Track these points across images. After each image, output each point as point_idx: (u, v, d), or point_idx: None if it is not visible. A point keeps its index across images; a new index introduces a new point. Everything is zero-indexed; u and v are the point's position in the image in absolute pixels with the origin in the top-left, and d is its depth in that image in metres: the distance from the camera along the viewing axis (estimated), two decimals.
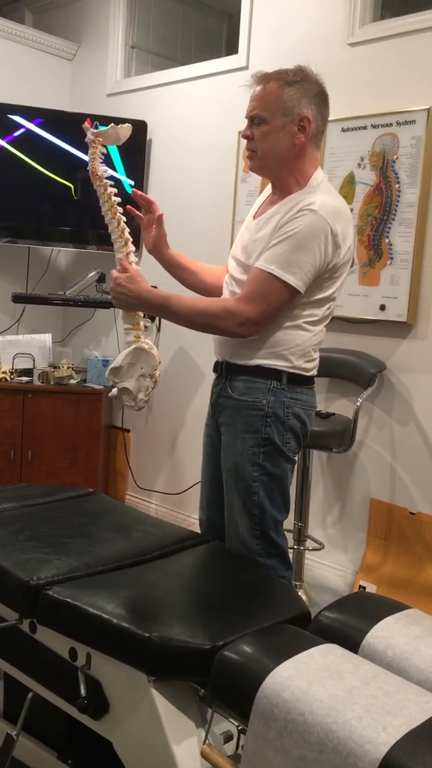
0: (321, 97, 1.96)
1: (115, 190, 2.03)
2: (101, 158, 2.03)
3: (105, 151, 2.03)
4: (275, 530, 2.02)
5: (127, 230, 2.02)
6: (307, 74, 1.95)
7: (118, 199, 2.03)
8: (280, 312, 1.92)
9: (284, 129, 1.92)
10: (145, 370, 1.96)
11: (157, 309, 1.97)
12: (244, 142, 2.01)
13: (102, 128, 2.02)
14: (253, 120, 1.95)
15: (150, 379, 1.98)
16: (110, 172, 2.05)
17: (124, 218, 2.02)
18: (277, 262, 1.86)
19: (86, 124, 2.03)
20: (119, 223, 2.01)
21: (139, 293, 1.94)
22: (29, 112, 3.87)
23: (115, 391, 1.98)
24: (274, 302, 1.88)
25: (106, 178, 2.02)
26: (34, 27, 4.40)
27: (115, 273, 1.98)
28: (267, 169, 2.01)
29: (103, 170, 2.02)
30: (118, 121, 2.09)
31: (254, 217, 2.06)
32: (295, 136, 1.92)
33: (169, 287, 2.11)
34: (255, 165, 2.01)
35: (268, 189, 2.09)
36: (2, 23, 4.07)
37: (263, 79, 1.95)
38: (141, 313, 1.99)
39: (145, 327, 2.00)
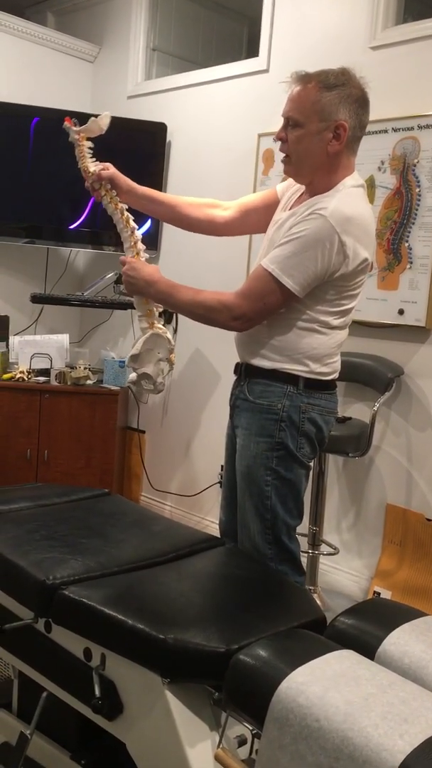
0: (360, 103, 1.89)
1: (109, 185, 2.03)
2: (90, 154, 2.04)
3: (91, 145, 2.04)
4: (287, 535, 2.01)
5: (132, 219, 2.02)
6: (350, 77, 1.88)
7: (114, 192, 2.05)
8: (277, 310, 1.91)
9: (319, 135, 1.87)
10: (162, 355, 2.01)
11: (163, 293, 1.97)
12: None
13: (83, 126, 2.03)
14: (288, 122, 1.91)
15: (167, 362, 2.02)
16: (100, 164, 2.04)
17: (125, 206, 2.03)
18: (278, 263, 1.85)
19: (67, 124, 2.03)
20: (122, 213, 2.03)
21: (148, 275, 1.96)
22: (50, 114, 3.89)
23: (134, 376, 2.00)
24: (270, 301, 1.88)
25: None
26: (56, 29, 4.43)
27: (124, 258, 2.00)
28: (301, 175, 1.98)
29: (95, 166, 2.03)
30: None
31: (287, 209, 2.02)
32: (329, 143, 1.87)
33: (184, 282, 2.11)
34: (289, 170, 1.99)
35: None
36: (25, 25, 4.10)
37: (303, 79, 1.89)
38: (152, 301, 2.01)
39: (159, 314, 2.02)
